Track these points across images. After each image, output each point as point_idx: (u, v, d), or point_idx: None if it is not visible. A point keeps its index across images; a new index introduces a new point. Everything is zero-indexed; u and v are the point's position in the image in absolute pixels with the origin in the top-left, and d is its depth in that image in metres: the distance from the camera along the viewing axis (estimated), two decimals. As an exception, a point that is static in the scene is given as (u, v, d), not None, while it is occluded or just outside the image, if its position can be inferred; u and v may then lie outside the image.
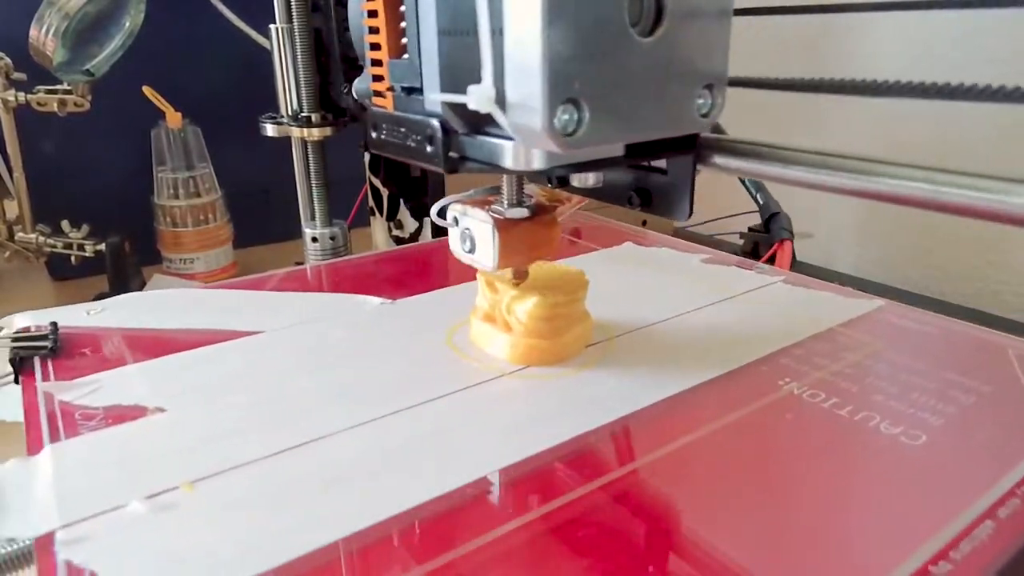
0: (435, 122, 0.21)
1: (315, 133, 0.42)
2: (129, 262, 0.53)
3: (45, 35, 0.44)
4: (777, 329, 0.30)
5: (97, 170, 0.58)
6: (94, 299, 0.36)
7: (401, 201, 0.49)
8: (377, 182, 0.50)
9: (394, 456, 0.21)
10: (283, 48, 0.41)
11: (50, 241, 0.53)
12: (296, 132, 0.42)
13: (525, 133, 0.18)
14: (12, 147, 0.51)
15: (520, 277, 0.27)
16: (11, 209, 0.54)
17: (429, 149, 0.21)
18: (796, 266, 0.53)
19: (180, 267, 0.57)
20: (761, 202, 0.51)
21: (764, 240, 0.51)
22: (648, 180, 0.25)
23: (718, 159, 0.22)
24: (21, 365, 0.27)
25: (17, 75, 0.49)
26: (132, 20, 0.48)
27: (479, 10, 0.17)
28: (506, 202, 0.25)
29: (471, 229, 0.26)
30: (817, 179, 0.20)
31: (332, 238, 0.44)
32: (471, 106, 0.18)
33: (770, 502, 0.20)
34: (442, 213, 0.27)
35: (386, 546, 0.18)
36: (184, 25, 0.57)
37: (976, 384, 0.25)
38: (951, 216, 0.17)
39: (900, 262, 0.61)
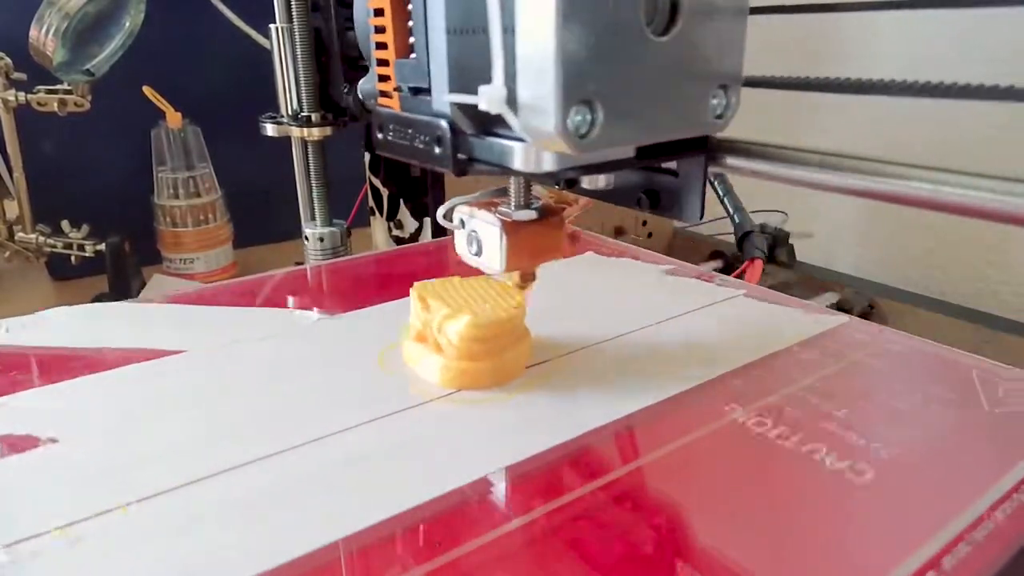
0: (443, 123, 0.20)
1: (315, 133, 0.42)
2: (129, 262, 0.53)
3: (45, 35, 0.44)
4: (731, 347, 0.28)
5: (97, 170, 0.58)
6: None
7: (401, 201, 0.49)
8: (377, 182, 0.50)
9: (303, 492, 0.20)
10: (283, 48, 0.41)
11: (50, 241, 0.53)
12: (296, 132, 0.42)
13: (537, 135, 0.17)
14: (12, 147, 0.51)
15: (527, 280, 0.27)
16: (11, 209, 0.54)
17: (437, 151, 0.21)
18: (797, 266, 0.53)
19: (180, 267, 0.57)
20: (737, 220, 0.51)
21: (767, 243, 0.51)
22: (657, 181, 0.24)
23: (729, 160, 0.21)
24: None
25: (17, 75, 0.50)
26: (132, 20, 0.48)
27: (490, 8, 0.17)
28: (513, 204, 0.25)
29: (478, 231, 0.25)
30: (825, 180, 0.19)
31: (321, 239, 0.44)
32: (481, 107, 0.17)
33: (707, 538, 0.18)
34: (448, 215, 0.26)
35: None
36: (184, 25, 0.57)
37: (936, 410, 0.24)
38: (951, 216, 0.17)
39: (900, 262, 0.61)
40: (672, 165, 0.23)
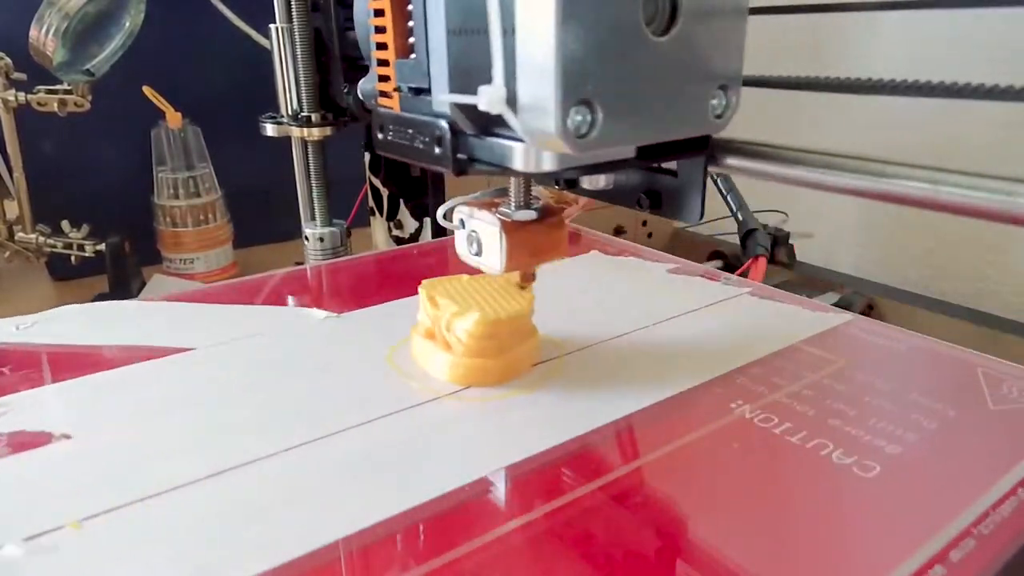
0: (443, 123, 0.20)
1: (315, 133, 0.42)
2: (129, 262, 0.53)
3: (45, 35, 0.44)
4: (737, 345, 0.28)
5: (97, 170, 0.58)
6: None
7: (401, 201, 0.49)
8: (377, 182, 0.50)
9: (316, 487, 0.20)
10: (283, 48, 0.41)
11: (50, 241, 0.53)
12: (296, 132, 0.42)
13: (537, 135, 0.17)
14: (12, 147, 0.51)
15: (528, 280, 0.27)
16: (11, 209, 0.54)
17: (437, 151, 0.21)
18: (796, 266, 0.53)
19: (180, 267, 0.57)
20: (740, 219, 0.51)
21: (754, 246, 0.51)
22: (657, 182, 0.24)
23: (730, 160, 0.21)
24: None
25: (17, 75, 0.50)
26: (132, 20, 0.48)
27: (490, 9, 0.17)
28: (513, 204, 0.25)
29: (478, 231, 0.25)
30: (825, 180, 0.19)
31: (321, 239, 0.44)
32: (481, 107, 0.17)
33: (713, 537, 0.18)
34: (448, 215, 0.26)
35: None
36: (184, 25, 0.57)
37: (941, 407, 0.24)
38: (951, 216, 0.17)
39: (900, 262, 0.61)
40: (672, 165, 0.23)
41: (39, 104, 0.49)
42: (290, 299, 0.35)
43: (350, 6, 0.35)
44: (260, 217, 0.62)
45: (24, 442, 0.22)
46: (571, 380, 0.26)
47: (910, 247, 0.60)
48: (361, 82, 0.26)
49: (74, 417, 0.24)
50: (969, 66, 0.53)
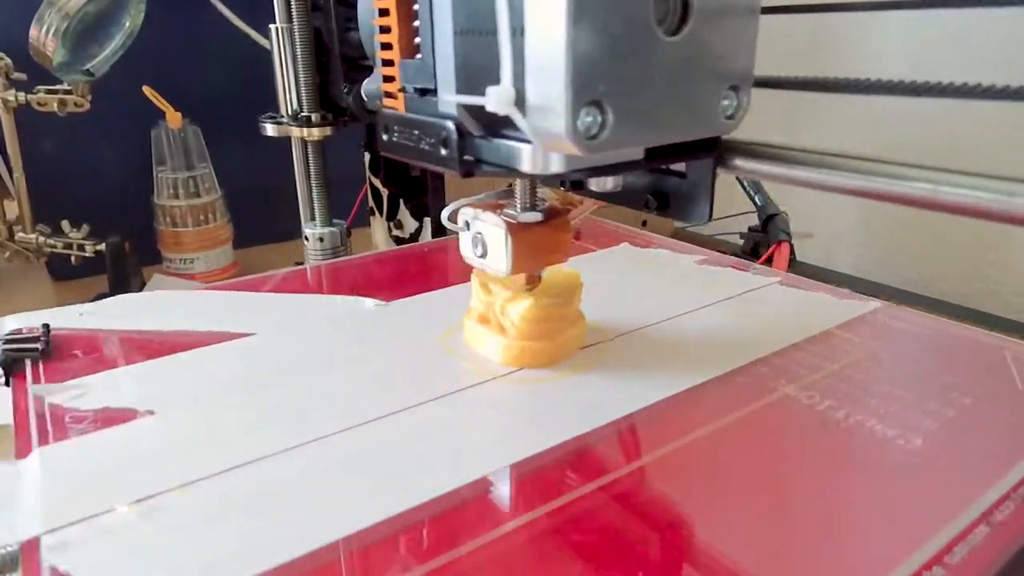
0: (450, 124, 0.20)
1: (315, 133, 0.42)
2: (129, 262, 0.53)
3: (45, 35, 0.44)
4: (773, 331, 0.30)
5: (97, 170, 0.58)
6: (94, 299, 0.36)
7: (401, 201, 0.49)
8: (377, 182, 0.50)
9: (387, 459, 0.21)
10: (283, 48, 0.41)
11: (50, 241, 0.53)
12: (296, 132, 0.42)
13: (545, 136, 0.17)
14: (12, 147, 0.51)
15: (533, 283, 0.27)
16: (11, 209, 0.54)
17: (444, 152, 0.21)
18: (796, 266, 0.53)
19: (180, 267, 0.57)
20: (759, 203, 0.51)
21: (764, 240, 0.51)
22: (665, 183, 0.24)
23: (739, 162, 0.21)
24: (11, 367, 0.27)
25: (17, 75, 0.49)
26: (132, 20, 0.48)
27: (499, 9, 0.16)
28: (519, 206, 0.25)
29: (483, 233, 0.25)
30: (825, 180, 0.19)
31: (321, 239, 0.44)
32: (489, 108, 0.17)
33: (766, 505, 0.20)
34: (452, 217, 0.26)
35: (381, 548, 0.18)
36: (184, 25, 0.57)
37: (972, 386, 0.25)
38: (951, 216, 0.17)
39: (900, 262, 0.61)
40: (680, 167, 0.23)
41: (39, 104, 0.49)
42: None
43: (350, 6, 0.35)
44: (260, 217, 0.62)
45: (111, 417, 0.24)
46: (619, 362, 0.27)
47: (910, 247, 0.60)
48: (365, 82, 0.26)
49: (153, 395, 0.25)
50: (969, 66, 0.53)
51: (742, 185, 0.51)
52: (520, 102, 0.17)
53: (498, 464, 0.21)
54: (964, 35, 0.53)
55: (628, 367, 0.27)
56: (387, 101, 0.23)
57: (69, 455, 0.21)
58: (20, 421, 0.23)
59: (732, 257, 0.40)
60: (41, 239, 0.53)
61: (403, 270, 0.40)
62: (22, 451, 0.22)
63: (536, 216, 0.25)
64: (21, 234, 0.53)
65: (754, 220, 0.53)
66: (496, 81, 0.17)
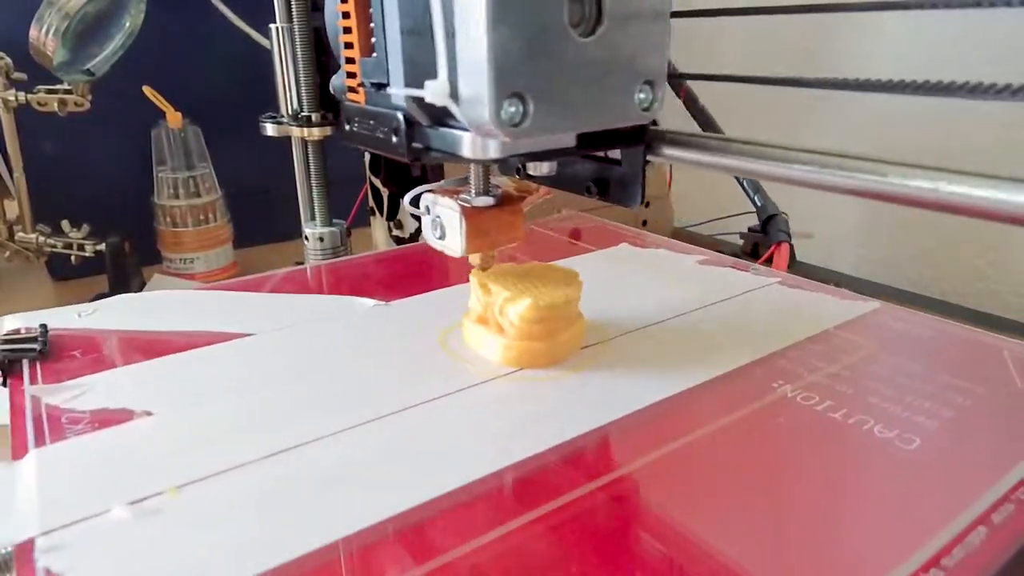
0: (399, 115, 0.23)
1: (315, 133, 0.42)
2: (129, 262, 0.53)
3: (45, 35, 0.44)
4: (772, 331, 0.30)
5: (97, 170, 0.58)
6: (93, 299, 0.36)
7: (401, 201, 0.49)
8: (377, 182, 0.50)
9: (385, 460, 0.21)
10: (283, 48, 0.41)
11: (50, 241, 0.53)
12: (296, 132, 0.42)
13: (476, 124, 0.19)
14: (12, 147, 0.51)
15: (487, 264, 0.28)
16: (11, 209, 0.54)
17: (394, 140, 0.23)
18: (796, 266, 0.53)
19: (180, 267, 0.57)
20: (759, 204, 0.51)
21: (764, 241, 0.51)
22: (607, 171, 0.26)
23: (667, 150, 0.24)
24: (9, 368, 0.27)
25: (17, 75, 0.50)
26: (132, 20, 0.48)
27: (434, 13, 0.19)
28: (473, 191, 0.27)
29: (441, 216, 0.27)
30: (825, 180, 0.20)
31: (321, 239, 0.44)
32: (428, 99, 0.20)
33: (764, 505, 0.20)
34: (415, 202, 0.28)
35: (380, 549, 0.18)
36: (184, 25, 0.57)
37: (971, 386, 0.25)
38: (951, 216, 0.17)
39: (900, 262, 0.61)
40: (617, 155, 0.26)
41: (39, 104, 0.49)
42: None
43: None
44: (260, 217, 0.62)
45: (107, 418, 0.23)
46: (618, 362, 0.27)
47: (910, 247, 0.60)
48: (333, 78, 0.27)
49: (151, 396, 0.25)
50: (969, 66, 0.53)
51: (742, 185, 0.51)
52: (455, 94, 0.19)
53: (497, 464, 0.21)
54: (965, 35, 0.53)
55: (628, 367, 0.27)
56: (350, 95, 0.25)
57: (65, 456, 0.21)
58: (16, 422, 0.23)
59: (732, 257, 0.40)
60: (41, 239, 0.53)
61: (403, 270, 0.40)
62: (18, 452, 0.22)
63: (488, 200, 0.27)
64: (21, 234, 0.53)
65: (754, 220, 0.53)
66: (436, 76, 0.19)
